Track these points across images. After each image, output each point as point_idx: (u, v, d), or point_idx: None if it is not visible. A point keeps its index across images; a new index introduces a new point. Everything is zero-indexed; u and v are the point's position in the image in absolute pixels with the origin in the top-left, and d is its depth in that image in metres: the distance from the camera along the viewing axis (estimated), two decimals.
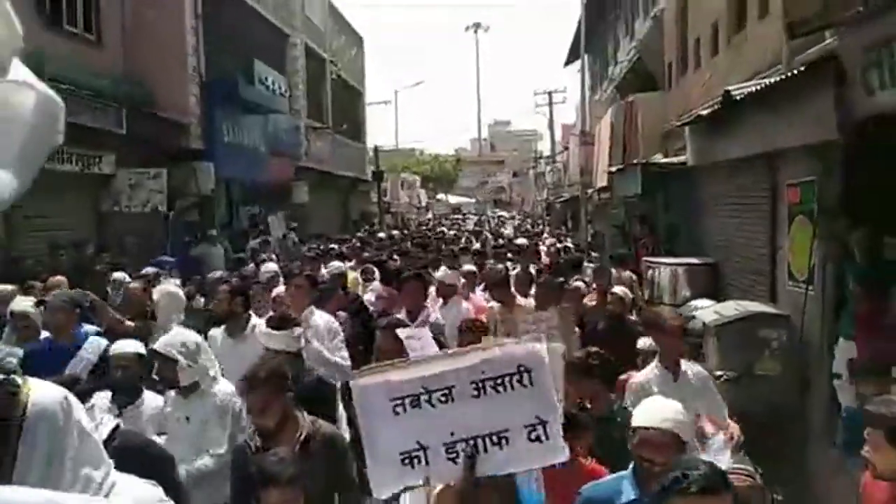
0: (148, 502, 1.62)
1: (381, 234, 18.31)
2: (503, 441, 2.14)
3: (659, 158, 10.61)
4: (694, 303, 7.62)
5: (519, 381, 2.13)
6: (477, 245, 14.30)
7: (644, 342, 4.74)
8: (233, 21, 15.06)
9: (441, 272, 7.15)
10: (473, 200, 57.38)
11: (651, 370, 4.03)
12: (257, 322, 4.79)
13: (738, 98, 5.66)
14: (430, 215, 42.51)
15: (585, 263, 10.31)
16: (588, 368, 3.61)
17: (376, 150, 29.55)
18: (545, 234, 21.64)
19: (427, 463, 2.13)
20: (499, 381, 2.12)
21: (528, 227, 29.71)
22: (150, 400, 3.84)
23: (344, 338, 5.13)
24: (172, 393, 3.72)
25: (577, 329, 5.69)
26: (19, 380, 1.46)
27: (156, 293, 5.79)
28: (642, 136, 11.68)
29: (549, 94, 35.16)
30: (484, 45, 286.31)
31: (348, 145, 25.23)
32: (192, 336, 3.74)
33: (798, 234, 6.37)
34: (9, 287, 6.13)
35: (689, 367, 4.06)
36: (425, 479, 2.14)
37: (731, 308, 6.41)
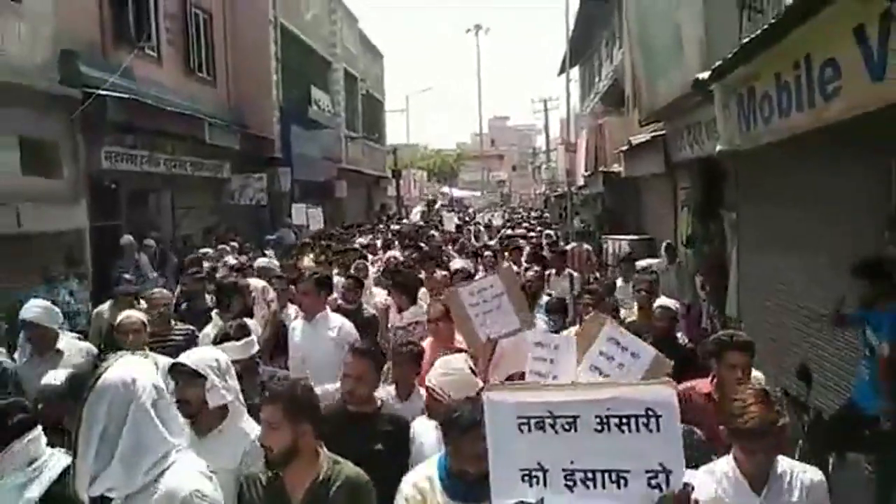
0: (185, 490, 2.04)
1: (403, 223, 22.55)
2: (621, 481, 2.10)
3: (616, 168, 14.98)
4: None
5: (645, 424, 2.07)
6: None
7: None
8: (296, 57, 19.47)
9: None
10: (478, 194, 59.65)
11: (725, 468, 2.62)
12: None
13: (634, 144, 10.22)
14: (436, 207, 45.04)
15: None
16: None
17: (395, 151, 33.96)
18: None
19: (545, 485, 2.16)
20: (624, 420, 2.09)
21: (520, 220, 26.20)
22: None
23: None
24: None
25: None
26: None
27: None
28: (608, 150, 16.05)
29: (545, 101, 39.52)
30: (485, 45, 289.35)
31: (372, 147, 29.69)
32: (222, 354, 3.18)
33: (684, 219, 10.81)
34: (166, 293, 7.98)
35: (791, 469, 2.60)
36: (539, 500, 2.16)
37: (645, 263, 10.85)
